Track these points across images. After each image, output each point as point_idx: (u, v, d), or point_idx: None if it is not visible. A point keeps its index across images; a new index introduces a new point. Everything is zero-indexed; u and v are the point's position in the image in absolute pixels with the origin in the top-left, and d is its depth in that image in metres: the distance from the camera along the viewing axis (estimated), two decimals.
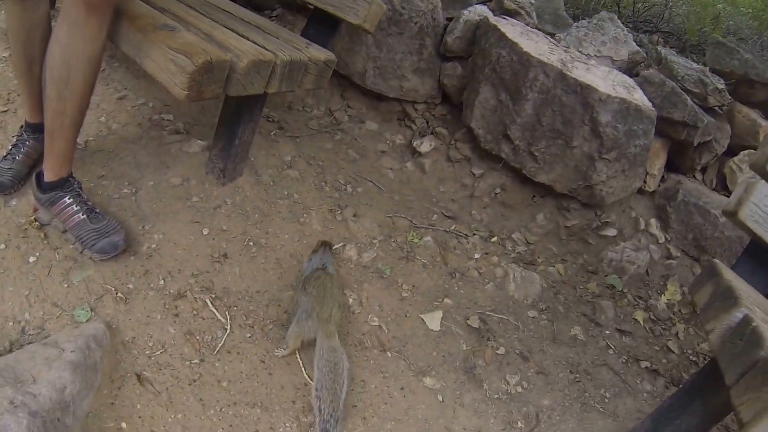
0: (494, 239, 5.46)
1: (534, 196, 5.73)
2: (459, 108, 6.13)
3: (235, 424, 3.24)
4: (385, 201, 5.41)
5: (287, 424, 3.38)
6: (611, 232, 5.79)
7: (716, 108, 5.94)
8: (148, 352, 3.33)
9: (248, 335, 3.69)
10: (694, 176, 6.36)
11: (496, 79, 5.59)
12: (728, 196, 6.47)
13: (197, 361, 3.41)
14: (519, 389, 4.23)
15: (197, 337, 3.50)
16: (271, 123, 5.41)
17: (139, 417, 3.06)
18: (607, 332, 4.96)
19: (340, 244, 4.75)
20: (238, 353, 3.58)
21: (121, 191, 4.02)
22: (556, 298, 5.15)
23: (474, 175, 5.91)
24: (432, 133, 6.19)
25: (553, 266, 5.44)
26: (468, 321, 4.61)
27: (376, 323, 4.32)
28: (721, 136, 6.09)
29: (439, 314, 4.56)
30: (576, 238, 5.75)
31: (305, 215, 4.75)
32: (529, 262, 5.38)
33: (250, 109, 4.06)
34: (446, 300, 4.72)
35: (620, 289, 5.36)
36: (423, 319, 4.49)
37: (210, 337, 3.55)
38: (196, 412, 3.18)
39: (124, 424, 3.01)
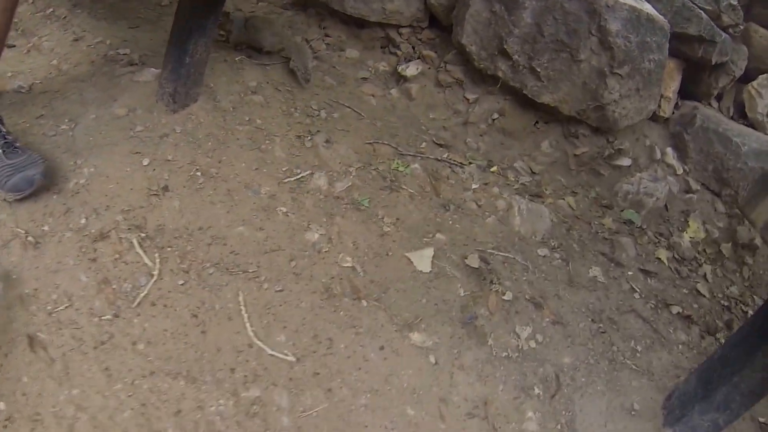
0: (494, 169, 4.14)
1: (537, 121, 4.66)
2: (448, 31, 4.85)
3: (150, 402, 2.37)
4: (364, 127, 4.17)
5: (221, 401, 2.45)
6: (625, 161, 4.49)
7: (730, 29, 4.95)
8: (49, 307, 2.52)
9: (180, 282, 2.79)
10: (709, 104, 5.04)
11: None
12: (748, 125, 5.14)
13: (109, 317, 2.56)
14: (533, 344, 3.21)
15: (114, 286, 2.66)
16: (238, 52, 4.44)
17: (23, 394, 2.27)
18: (629, 273, 3.88)
19: (307, 172, 3.51)
20: (165, 306, 2.69)
21: (59, 128, 3.21)
22: (569, 235, 3.86)
23: (467, 100, 4.58)
24: (419, 58, 4.84)
25: (563, 199, 4.16)
26: (466, 260, 3.30)
27: (349, 263, 3.08)
28: (737, 57, 5.09)
29: (429, 252, 3.24)
30: (586, 168, 4.45)
31: (267, 142, 3.65)
32: (536, 194, 4.06)
33: (201, 20, 3.35)
34: (438, 236, 3.41)
35: (639, 225, 4.28)
36: (409, 259, 3.20)
37: (131, 286, 2.70)
38: (98, 387, 2.36)
39: (2, 404, 2.22)
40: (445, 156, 4.04)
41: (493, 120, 4.47)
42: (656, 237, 4.22)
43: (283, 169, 3.51)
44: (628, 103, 4.32)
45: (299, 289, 2.92)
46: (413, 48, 4.96)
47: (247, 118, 3.79)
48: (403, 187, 3.64)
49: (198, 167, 3.21)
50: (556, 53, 4.20)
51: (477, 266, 3.22)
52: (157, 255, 2.78)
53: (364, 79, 4.75)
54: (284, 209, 3.26)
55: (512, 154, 4.37)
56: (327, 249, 3.11)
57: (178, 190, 3.06)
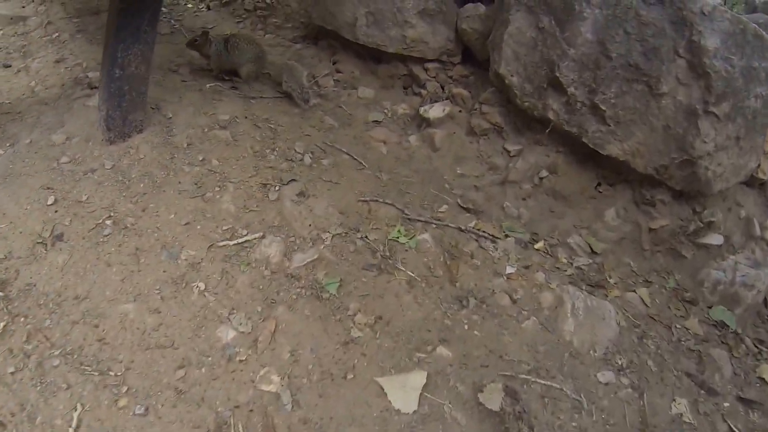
0: (539, 245, 2.97)
1: (599, 182, 3.42)
2: (485, 67, 3.79)
3: None
4: (363, 180, 3.14)
5: None
6: (715, 239, 3.21)
7: None
8: None
9: (11, 370, 2.00)
10: None
11: None
12: None
13: None
14: None
15: None
16: (225, 81, 3.86)
17: None
18: (726, 405, 2.62)
19: (257, 235, 2.53)
20: None
21: None
22: (643, 346, 2.63)
23: (508, 151, 3.45)
24: (448, 98, 3.78)
25: (634, 291, 2.93)
26: (480, 395, 2.08)
27: (274, 387, 2.00)
28: None
29: (419, 378, 2.06)
30: (665, 248, 3.20)
31: (217, 189, 2.80)
32: (596, 283, 2.85)
33: (132, 19, 2.80)
34: (441, 350, 2.24)
35: (734, 330, 2.98)
36: (382, 387, 2.04)
37: None
38: None
39: None
40: (471, 225, 2.91)
41: (541, 179, 3.32)
42: (757, 346, 2.94)
43: (224, 228, 2.57)
44: (724, 158, 3.07)
45: (173, 418, 1.89)
46: (441, 87, 3.93)
47: (201, 158, 2.94)
48: (401, 266, 2.52)
49: (112, 214, 2.58)
50: (628, 84, 3.03)
51: (498, 406, 1.99)
52: (1, 325, 2.06)
53: (377, 122, 3.77)
54: (203, 285, 2.32)
55: (565, 226, 3.18)
56: (245, 357, 2.07)
57: (74, 241, 2.44)
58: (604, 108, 3.04)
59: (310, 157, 3.11)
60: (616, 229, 3.19)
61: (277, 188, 2.81)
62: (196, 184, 2.81)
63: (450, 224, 2.87)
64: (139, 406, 1.88)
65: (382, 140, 3.60)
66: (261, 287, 2.32)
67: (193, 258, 2.40)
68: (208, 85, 3.64)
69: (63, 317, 2.12)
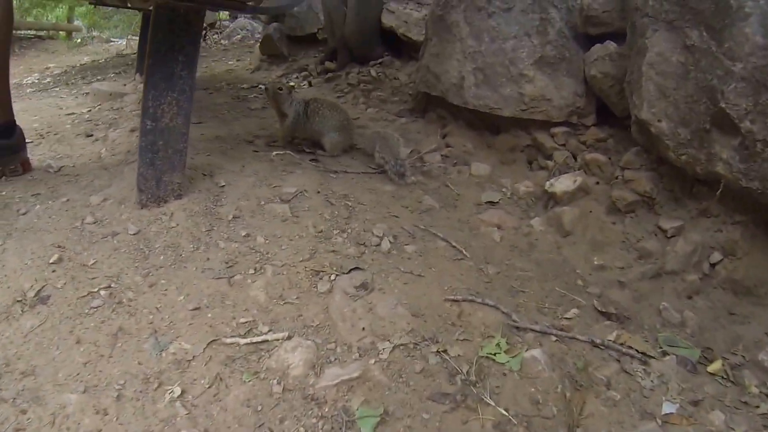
0: (714, 366, 1.94)
1: None
2: (626, 125, 2.96)
3: None
4: (458, 273, 2.35)
5: None
6: None
7: None
8: None
9: None
10: None
11: (675, 9, 2.37)
12: None
13: None
14: None
15: None
16: (305, 153, 3.47)
17: None
18: None
19: (281, 335, 1.88)
20: None
21: (32, 207, 2.62)
22: None
23: (663, 231, 2.51)
24: (582, 168, 2.95)
25: None
26: None
27: None
28: None
29: None
30: None
31: (252, 272, 2.23)
32: None
33: (164, 63, 2.49)
34: None
35: None
36: None
37: None
38: None
39: None
40: (611, 337, 1.98)
41: (713, 265, 2.31)
42: None
43: (241, 321, 1.93)
44: None
45: None
46: (573, 156, 3.12)
47: (245, 233, 2.40)
48: (489, 399, 1.65)
49: (112, 285, 2.13)
50: None
51: None
52: None
53: (492, 203, 3.04)
54: (178, 391, 1.66)
55: (753, 335, 2.10)
56: None
57: (56, 307, 2.03)
58: None
59: (390, 242, 2.40)
60: None
61: (332, 278, 2.12)
62: (226, 263, 2.27)
63: (579, 336, 1.97)
64: None
65: (495, 224, 2.83)
66: (259, 408, 1.59)
67: (184, 353, 1.78)
68: (275, 153, 3.17)
69: None
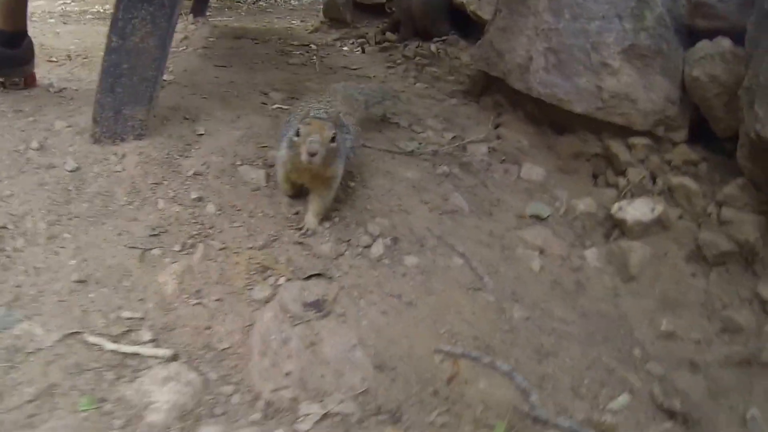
0: None
1: None
2: (729, 149, 2.26)
3: None
4: (468, 310, 1.76)
5: None
6: None
7: None
8: None
9: None
10: None
11: None
12: None
13: None
14: None
15: None
16: None
17: None
18: None
19: (165, 352, 1.38)
20: None
21: None
22: None
23: (763, 302, 1.82)
24: (662, 193, 2.26)
25: None
26: None
27: None
28: None
29: None
30: None
31: (178, 248, 1.75)
32: None
33: None
34: None
35: None
36: None
37: None
38: None
39: None
40: None
41: None
42: None
43: (127, 317, 1.50)
44: None
45: None
46: (653, 177, 2.42)
47: (197, 196, 2.00)
48: None
49: (11, 227, 1.74)
50: None
51: None
52: None
53: (539, 218, 2.39)
54: None
55: None
56: None
57: None
58: None
59: (385, 247, 1.83)
60: None
61: (279, 281, 1.57)
62: (153, 229, 1.82)
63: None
64: None
65: (537, 247, 2.21)
66: None
67: (28, 340, 1.34)
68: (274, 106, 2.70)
69: None
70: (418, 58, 4.29)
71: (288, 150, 1.87)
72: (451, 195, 2.36)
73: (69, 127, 2.28)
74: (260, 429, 1.20)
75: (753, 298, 1.90)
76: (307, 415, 1.23)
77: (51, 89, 2.79)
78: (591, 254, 2.20)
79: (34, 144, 2.13)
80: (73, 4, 6.64)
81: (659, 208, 2.16)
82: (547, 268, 2.10)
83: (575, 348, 1.67)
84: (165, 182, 1.99)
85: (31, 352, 1.31)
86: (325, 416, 1.24)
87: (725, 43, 2.29)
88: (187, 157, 2.13)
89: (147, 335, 1.40)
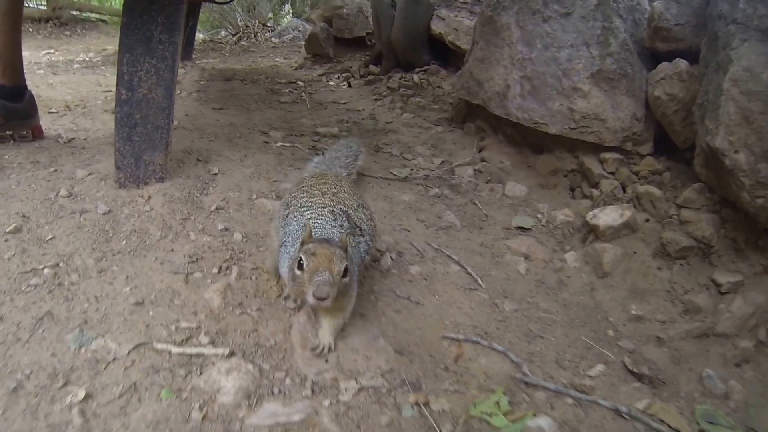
0: None
1: None
2: (688, 158, 2.58)
3: None
4: (467, 306, 2.04)
5: None
6: None
7: None
8: None
9: None
10: None
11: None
12: None
13: None
14: None
15: None
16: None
17: None
18: None
19: (220, 350, 1.60)
20: None
21: (22, 173, 2.47)
22: None
23: (718, 285, 2.11)
24: (631, 201, 2.56)
25: None
26: None
27: None
28: None
29: None
30: None
31: (216, 271, 1.98)
32: None
33: (141, 24, 2.17)
34: None
35: None
36: None
37: None
38: None
39: None
40: (641, 405, 1.61)
41: None
42: None
43: (183, 326, 1.70)
44: None
45: None
46: (623, 187, 2.74)
47: (223, 227, 2.22)
48: None
49: (61, 265, 1.89)
50: None
51: None
52: None
53: (523, 229, 2.71)
54: (81, 395, 1.42)
55: None
56: None
57: None
58: None
59: (392, 259, 2.12)
60: None
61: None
62: (191, 257, 2.02)
63: (601, 401, 1.61)
64: None
65: (523, 254, 2.49)
66: None
67: (106, 352, 1.54)
68: (277, 144, 2.93)
69: None
70: (402, 89, 4.58)
71: (290, 281, 1.63)
72: (444, 213, 2.70)
73: (90, 174, 2.47)
74: (312, 401, 1.45)
75: (710, 283, 2.19)
76: (347, 389, 1.49)
77: (60, 140, 2.96)
78: (570, 256, 2.49)
79: (63, 192, 2.30)
80: (57, 53, 6.89)
81: (627, 213, 2.46)
82: (533, 270, 2.39)
83: (558, 331, 1.96)
84: (192, 217, 2.23)
85: (110, 361, 1.53)
86: (360, 390, 1.51)
87: (682, 64, 2.62)
88: (207, 194, 2.40)
89: (205, 339, 1.63)
